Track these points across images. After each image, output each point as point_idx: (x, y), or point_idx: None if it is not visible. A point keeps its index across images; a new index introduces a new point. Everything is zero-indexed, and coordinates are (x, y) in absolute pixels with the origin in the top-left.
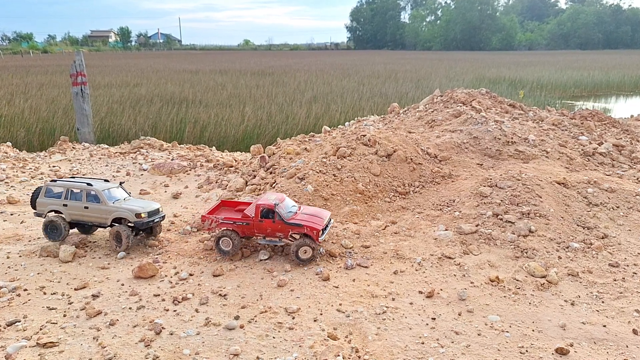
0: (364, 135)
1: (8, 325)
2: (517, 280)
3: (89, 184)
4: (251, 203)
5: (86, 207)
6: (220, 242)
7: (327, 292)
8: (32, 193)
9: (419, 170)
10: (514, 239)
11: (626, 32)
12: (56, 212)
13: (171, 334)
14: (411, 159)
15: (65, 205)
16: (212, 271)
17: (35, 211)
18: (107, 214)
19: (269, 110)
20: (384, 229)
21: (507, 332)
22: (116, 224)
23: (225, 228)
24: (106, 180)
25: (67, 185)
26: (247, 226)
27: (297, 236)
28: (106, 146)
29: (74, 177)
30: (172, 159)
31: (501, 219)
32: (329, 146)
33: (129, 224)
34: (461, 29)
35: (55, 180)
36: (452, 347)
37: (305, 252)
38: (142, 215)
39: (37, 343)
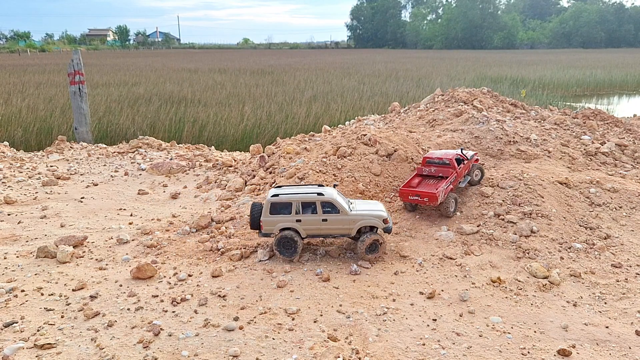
0: (365, 135)
1: (5, 327)
2: (519, 281)
3: (319, 194)
4: (415, 177)
5: (324, 220)
6: (450, 205)
7: (327, 293)
8: (251, 212)
9: None
10: (516, 239)
11: (629, 31)
12: (287, 229)
13: (170, 335)
14: (412, 158)
15: (299, 220)
16: (211, 272)
17: (261, 232)
18: (351, 224)
19: (269, 109)
20: None
21: (509, 333)
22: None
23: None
24: (320, 185)
25: (296, 199)
26: (455, 180)
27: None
28: (104, 145)
29: (280, 187)
30: (171, 159)
31: (503, 219)
32: (329, 145)
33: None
34: (462, 27)
35: (277, 195)
36: (453, 349)
37: (477, 175)
38: (387, 219)
39: (34, 344)
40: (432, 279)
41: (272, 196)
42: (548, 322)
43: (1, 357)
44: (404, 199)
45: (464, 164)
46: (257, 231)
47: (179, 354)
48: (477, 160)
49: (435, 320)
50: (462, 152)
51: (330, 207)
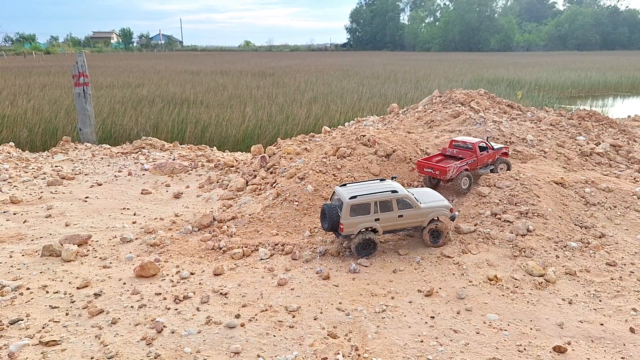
0: (364, 136)
1: (11, 324)
2: (516, 279)
3: (394, 191)
4: (438, 155)
5: (400, 216)
6: (462, 183)
7: (327, 291)
8: (329, 215)
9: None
10: (513, 238)
11: (623, 33)
12: (366, 228)
13: (172, 333)
14: (410, 159)
15: (377, 219)
16: (213, 270)
17: (341, 234)
18: (423, 217)
19: (270, 110)
20: None
21: (506, 330)
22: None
23: (463, 170)
24: (382, 180)
25: (374, 199)
26: (474, 162)
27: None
28: (108, 146)
29: (345, 185)
30: (173, 159)
31: (500, 219)
32: (329, 146)
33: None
34: (460, 30)
35: (354, 197)
36: (450, 346)
37: (502, 169)
38: (453, 208)
39: (39, 341)
40: (430, 277)
41: (350, 198)
42: (544, 319)
43: (7, 353)
44: (420, 171)
45: (487, 152)
46: (335, 233)
47: (181, 350)
48: (506, 154)
49: (433, 317)
50: (487, 140)
51: (404, 203)
